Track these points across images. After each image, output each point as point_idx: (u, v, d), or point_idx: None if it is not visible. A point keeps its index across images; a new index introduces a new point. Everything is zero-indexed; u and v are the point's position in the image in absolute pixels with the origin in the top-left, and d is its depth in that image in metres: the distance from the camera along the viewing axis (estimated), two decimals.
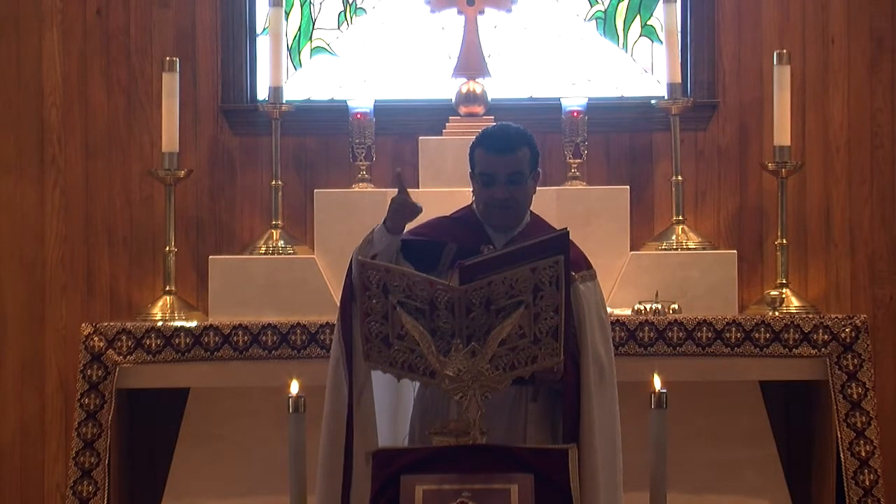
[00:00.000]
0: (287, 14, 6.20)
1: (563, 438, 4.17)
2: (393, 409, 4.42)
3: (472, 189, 4.37)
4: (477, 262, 3.92)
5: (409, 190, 4.29)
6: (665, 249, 5.84)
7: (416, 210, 4.25)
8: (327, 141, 6.12)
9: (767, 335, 5.46)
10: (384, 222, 4.27)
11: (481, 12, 5.96)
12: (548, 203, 5.57)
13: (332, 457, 4.26)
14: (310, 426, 3.93)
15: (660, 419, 3.88)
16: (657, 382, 3.91)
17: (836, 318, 5.53)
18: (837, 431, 5.45)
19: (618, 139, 6.13)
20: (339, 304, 4.36)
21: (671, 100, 5.87)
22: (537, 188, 4.36)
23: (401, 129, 6.06)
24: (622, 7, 6.28)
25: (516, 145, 4.27)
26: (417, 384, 4.29)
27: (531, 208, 4.47)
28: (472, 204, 4.42)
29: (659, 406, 3.88)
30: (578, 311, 4.23)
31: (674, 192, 5.91)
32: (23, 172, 6.11)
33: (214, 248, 6.06)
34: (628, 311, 5.53)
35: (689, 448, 5.53)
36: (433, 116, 6.00)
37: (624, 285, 5.72)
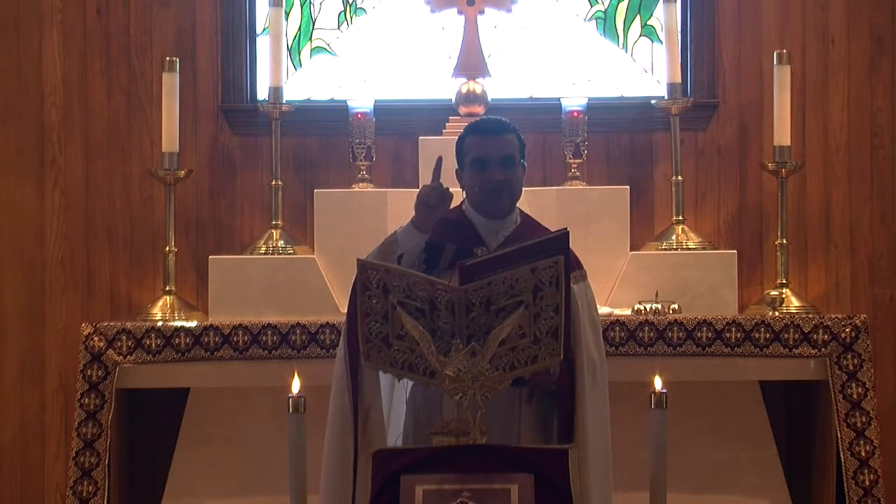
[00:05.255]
0: (287, 14, 6.20)
1: (557, 439, 4.18)
2: (385, 411, 4.42)
3: (461, 186, 4.38)
4: (477, 263, 3.92)
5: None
6: (665, 249, 5.85)
7: (446, 199, 4.24)
8: (327, 141, 6.12)
9: (767, 335, 5.46)
10: (412, 220, 4.26)
11: (481, 12, 5.96)
12: (548, 203, 5.58)
13: (333, 475, 4.27)
14: (310, 426, 3.93)
15: (660, 419, 3.88)
16: (658, 383, 3.91)
17: (836, 318, 5.53)
18: (837, 431, 5.45)
19: (618, 139, 6.13)
20: (345, 319, 4.31)
21: (671, 100, 5.88)
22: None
23: (401, 129, 6.06)
24: (622, 7, 6.28)
25: (505, 129, 4.37)
26: (408, 387, 4.30)
27: (531, 209, 4.48)
28: (461, 204, 4.42)
29: (659, 406, 3.88)
30: (572, 312, 4.24)
31: (674, 192, 5.91)
32: (23, 172, 6.11)
33: (214, 248, 6.06)
34: (628, 311, 5.53)
35: (689, 448, 5.53)
36: (433, 116, 6.00)
37: (624, 285, 5.72)
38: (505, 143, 4.33)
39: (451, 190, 4.27)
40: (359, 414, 4.22)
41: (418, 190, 4.28)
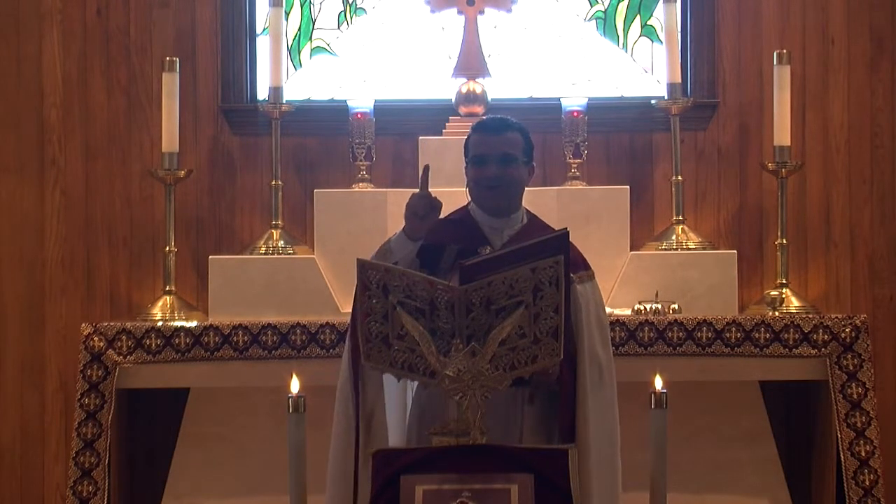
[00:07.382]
0: (287, 14, 6.20)
1: (559, 440, 4.18)
2: (402, 410, 4.43)
3: (466, 184, 4.40)
4: (477, 262, 3.93)
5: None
6: (665, 249, 5.84)
7: (436, 208, 4.24)
8: (327, 141, 6.12)
9: (767, 335, 5.46)
10: (403, 229, 4.27)
11: (481, 12, 5.96)
12: (548, 203, 5.58)
13: (338, 478, 4.28)
14: (310, 426, 3.93)
15: (660, 419, 3.88)
16: (658, 383, 3.91)
17: (836, 318, 5.53)
18: (837, 431, 5.45)
19: (618, 139, 6.13)
20: (349, 321, 4.32)
21: (671, 100, 5.87)
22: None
23: (401, 129, 6.06)
24: (622, 7, 6.28)
25: (507, 127, 4.40)
26: (412, 386, 4.30)
27: (531, 209, 4.48)
28: (467, 205, 4.43)
29: (659, 406, 3.88)
30: (576, 313, 4.25)
31: (674, 192, 5.91)
32: (23, 172, 6.11)
33: (214, 248, 6.06)
34: (628, 311, 5.53)
35: (689, 448, 5.53)
36: (433, 116, 6.00)
37: (624, 285, 5.72)
38: (504, 142, 4.35)
39: (456, 190, 4.27)
40: (361, 417, 4.22)
41: (408, 204, 4.27)
